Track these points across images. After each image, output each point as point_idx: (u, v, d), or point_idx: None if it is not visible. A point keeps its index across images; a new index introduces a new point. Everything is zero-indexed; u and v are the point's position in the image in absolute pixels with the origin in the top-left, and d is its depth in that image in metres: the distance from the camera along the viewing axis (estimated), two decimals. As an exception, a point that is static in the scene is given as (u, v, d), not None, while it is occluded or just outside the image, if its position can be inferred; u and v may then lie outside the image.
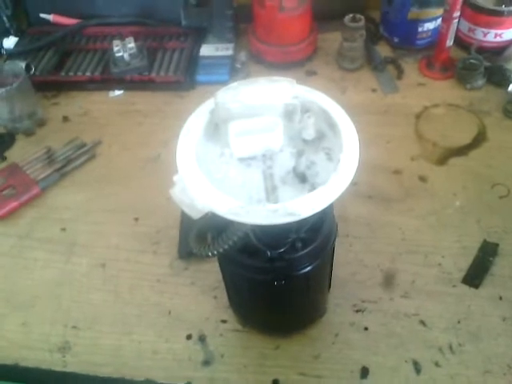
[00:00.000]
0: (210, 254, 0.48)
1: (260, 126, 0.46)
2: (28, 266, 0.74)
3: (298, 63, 1.02)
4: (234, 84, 0.48)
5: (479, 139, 0.86)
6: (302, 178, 0.45)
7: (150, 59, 1.02)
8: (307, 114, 0.48)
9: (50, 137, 0.93)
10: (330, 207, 0.53)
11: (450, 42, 0.95)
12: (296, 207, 0.41)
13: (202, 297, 0.69)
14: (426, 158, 0.84)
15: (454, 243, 0.72)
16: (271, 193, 0.44)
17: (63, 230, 0.79)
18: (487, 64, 0.94)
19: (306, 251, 0.50)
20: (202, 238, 0.52)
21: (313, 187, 0.44)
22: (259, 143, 0.47)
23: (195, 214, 0.45)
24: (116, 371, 0.63)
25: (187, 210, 0.45)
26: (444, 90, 0.95)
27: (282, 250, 0.48)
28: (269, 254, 0.49)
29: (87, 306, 0.70)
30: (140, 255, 0.74)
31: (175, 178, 0.45)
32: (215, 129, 0.49)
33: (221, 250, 0.47)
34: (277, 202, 0.43)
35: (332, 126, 0.48)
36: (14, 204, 0.80)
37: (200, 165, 0.45)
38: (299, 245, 0.49)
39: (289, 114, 0.48)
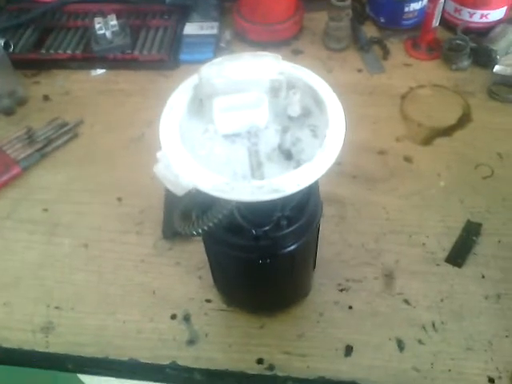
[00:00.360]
0: (194, 232, 0.48)
1: (245, 101, 0.45)
2: (10, 247, 0.73)
3: (283, 42, 1.01)
4: (219, 59, 0.47)
5: (464, 120, 0.86)
6: (288, 155, 0.45)
7: (133, 37, 1.00)
8: (293, 90, 0.47)
9: (31, 116, 0.91)
10: (315, 185, 0.53)
11: (436, 23, 0.94)
12: (281, 183, 0.41)
13: (187, 277, 0.69)
14: (411, 139, 0.84)
15: (437, 223, 0.73)
16: (256, 169, 0.44)
17: (45, 210, 0.77)
18: (473, 45, 0.93)
19: (291, 229, 0.49)
20: (187, 216, 0.52)
21: (298, 164, 0.44)
22: (244, 119, 0.46)
23: (179, 191, 0.44)
24: (100, 351, 0.63)
25: (171, 187, 0.44)
26: (430, 71, 0.95)
27: (267, 228, 0.48)
28: (254, 232, 0.48)
29: (70, 286, 0.69)
30: (123, 235, 0.74)
31: (158, 154, 0.44)
32: (199, 105, 0.48)
33: (205, 228, 0.46)
34: (262, 178, 0.43)
35: (318, 102, 0.48)
36: (-7, 184, 0.79)
37: (184, 141, 0.44)
38: (284, 223, 0.49)
39: (274, 90, 0.47)
